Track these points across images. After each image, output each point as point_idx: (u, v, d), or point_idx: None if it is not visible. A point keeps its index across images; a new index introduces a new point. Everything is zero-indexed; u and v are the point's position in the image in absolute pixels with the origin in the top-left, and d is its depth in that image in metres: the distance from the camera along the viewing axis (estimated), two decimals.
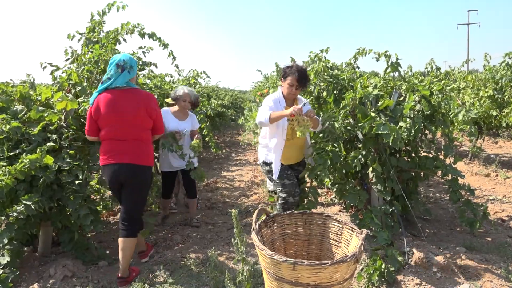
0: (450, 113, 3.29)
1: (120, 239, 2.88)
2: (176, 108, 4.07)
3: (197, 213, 4.75)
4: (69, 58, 3.74)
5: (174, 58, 4.42)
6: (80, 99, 3.29)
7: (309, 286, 2.07)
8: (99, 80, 3.58)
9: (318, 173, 3.25)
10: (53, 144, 3.01)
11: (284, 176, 3.32)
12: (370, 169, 3.29)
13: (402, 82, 3.53)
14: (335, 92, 3.64)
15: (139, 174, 2.88)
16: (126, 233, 2.88)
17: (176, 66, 4.69)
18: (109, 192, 4.45)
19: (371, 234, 3.37)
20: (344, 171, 3.52)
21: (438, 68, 7.41)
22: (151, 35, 4.00)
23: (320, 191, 5.24)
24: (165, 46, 4.18)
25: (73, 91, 3.47)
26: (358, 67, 4.29)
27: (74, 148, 3.13)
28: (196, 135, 4.02)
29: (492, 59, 7.04)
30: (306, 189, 3.44)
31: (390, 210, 3.34)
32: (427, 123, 3.32)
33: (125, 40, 3.93)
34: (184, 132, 3.92)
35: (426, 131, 3.56)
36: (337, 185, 3.76)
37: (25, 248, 3.42)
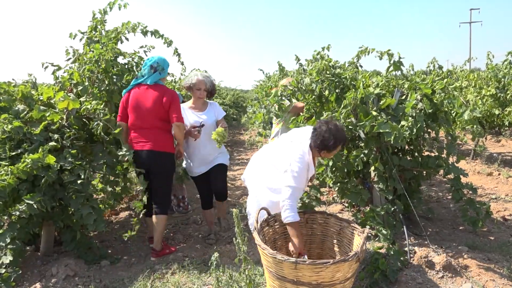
0: (452, 111, 3.27)
1: (152, 216, 3.37)
2: (191, 101, 3.70)
3: (199, 212, 4.75)
4: (70, 58, 3.74)
5: (179, 55, 4.38)
6: (81, 99, 3.29)
7: (311, 285, 2.07)
8: (101, 80, 3.59)
9: (320, 172, 3.25)
10: (55, 144, 3.01)
11: None
12: (372, 168, 3.28)
13: (404, 80, 3.52)
14: (337, 90, 3.63)
15: (158, 159, 3.26)
16: (155, 211, 3.36)
17: (182, 63, 4.62)
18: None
19: (373, 233, 3.37)
20: (346, 170, 3.51)
21: (440, 67, 7.39)
22: (154, 33, 3.98)
23: (322, 190, 5.24)
24: (169, 44, 4.14)
25: (74, 90, 3.47)
26: (361, 66, 4.27)
27: (76, 147, 3.14)
28: (221, 123, 3.60)
29: (495, 58, 7.01)
30: (307, 187, 3.42)
31: (392, 209, 3.33)
32: (429, 121, 3.31)
33: (127, 39, 3.92)
34: (200, 125, 3.49)
35: (429, 130, 3.55)
36: (339, 184, 3.75)
37: (28, 248, 3.43)
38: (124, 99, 3.32)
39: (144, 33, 3.91)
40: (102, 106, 3.36)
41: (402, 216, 3.39)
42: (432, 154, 3.50)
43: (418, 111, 3.13)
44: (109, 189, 3.56)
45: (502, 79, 6.40)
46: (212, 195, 3.79)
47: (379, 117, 3.11)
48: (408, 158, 3.65)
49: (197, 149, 3.59)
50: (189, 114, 3.59)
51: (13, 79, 3.64)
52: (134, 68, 4.18)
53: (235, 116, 11.97)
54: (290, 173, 2.51)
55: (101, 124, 3.15)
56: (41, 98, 3.35)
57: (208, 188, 3.75)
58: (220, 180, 3.71)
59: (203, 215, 3.91)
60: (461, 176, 3.35)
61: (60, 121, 3.18)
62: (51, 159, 2.83)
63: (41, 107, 3.10)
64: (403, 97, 3.42)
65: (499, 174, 6.02)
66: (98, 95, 3.50)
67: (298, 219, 2.47)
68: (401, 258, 2.92)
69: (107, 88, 3.62)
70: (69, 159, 2.99)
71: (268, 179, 2.78)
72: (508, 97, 6.39)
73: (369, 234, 3.32)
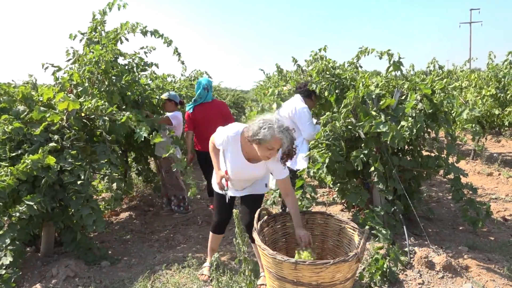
0: (452, 111, 3.27)
1: None
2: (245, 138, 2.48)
3: (199, 213, 4.75)
4: (70, 59, 3.75)
5: (179, 55, 4.40)
6: (81, 99, 3.29)
7: (311, 286, 2.07)
8: (100, 81, 3.60)
9: (315, 171, 3.26)
10: (55, 145, 3.02)
11: None
12: (372, 168, 3.28)
13: (404, 81, 3.52)
14: (336, 91, 3.63)
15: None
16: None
17: (182, 62, 4.66)
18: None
19: (373, 233, 3.37)
20: (345, 170, 3.51)
21: (441, 67, 7.39)
22: (154, 32, 3.99)
23: (322, 190, 5.24)
24: (169, 43, 4.15)
25: (74, 91, 3.47)
26: (361, 66, 4.28)
27: (76, 148, 3.14)
28: (303, 235, 2.47)
29: (495, 58, 7.01)
30: (306, 186, 3.42)
31: (392, 209, 3.33)
32: (429, 122, 3.31)
33: (127, 39, 3.93)
34: (225, 190, 2.65)
35: (429, 130, 3.55)
36: (339, 184, 3.75)
37: (28, 248, 3.43)
38: (190, 114, 4.30)
39: (144, 33, 3.92)
40: (102, 102, 3.36)
41: (402, 217, 3.39)
42: (432, 154, 3.50)
43: (418, 111, 3.14)
44: (115, 187, 3.56)
45: (502, 79, 6.40)
46: (229, 220, 2.95)
47: (377, 117, 3.11)
48: (408, 158, 3.64)
49: (231, 175, 2.68)
50: (238, 158, 2.58)
51: (13, 80, 3.66)
52: (134, 69, 4.19)
53: (235, 117, 12.04)
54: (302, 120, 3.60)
55: (107, 119, 3.16)
56: (41, 99, 3.36)
57: (229, 210, 2.83)
58: (249, 214, 2.73)
59: (210, 239, 3.04)
60: (461, 176, 3.35)
61: (60, 122, 3.18)
62: (51, 160, 2.83)
63: (41, 108, 3.10)
64: (403, 98, 3.42)
65: (499, 174, 6.02)
66: (98, 96, 3.50)
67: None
68: (401, 259, 2.92)
69: (107, 89, 3.62)
70: (69, 160, 2.99)
71: None
72: (508, 97, 6.39)
73: (369, 235, 3.32)
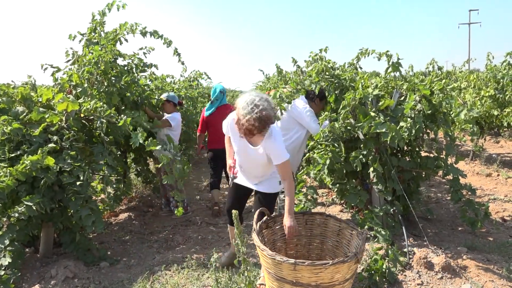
0: (451, 112, 3.28)
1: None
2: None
3: (198, 214, 4.75)
4: (70, 59, 3.75)
5: (179, 55, 4.41)
6: (80, 100, 3.29)
7: (310, 286, 2.07)
8: (100, 81, 3.60)
9: (315, 172, 3.26)
10: (54, 145, 3.02)
11: None
12: (371, 169, 3.28)
13: (403, 82, 3.52)
14: (336, 92, 3.64)
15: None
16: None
17: (182, 63, 4.69)
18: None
19: (372, 234, 3.37)
20: (345, 171, 3.52)
21: (440, 68, 7.40)
22: (153, 33, 3.99)
23: (321, 191, 5.24)
24: (169, 44, 4.15)
25: (74, 92, 3.48)
26: (361, 68, 4.28)
27: (75, 149, 3.14)
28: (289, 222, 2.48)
29: (494, 58, 7.03)
30: (304, 189, 3.42)
31: (391, 210, 3.33)
32: (428, 122, 3.31)
33: (126, 40, 3.93)
34: (232, 177, 2.89)
35: (428, 131, 3.55)
36: (338, 185, 3.75)
37: (27, 249, 3.43)
38: (204, 117, 4.69)
39: (143, 33, 3.92)
40: (101, 104, 3.36)
41: (401, 217, 3.40)
42: (431, 155, 3.51)
43: (416, 112, 3.14)
44: (110, 190, 3.55)
45: (501, 80, 6.41)
46: (240, 212, 2.98)
47: (377, 118, 3.11)
48: (407, 159, 3.65)
49: (240, 162, 2.85)
50: (235, 137, 2.69)
51: (12, 81, 3.65)
52: (134, 69, 4.19)
53: None
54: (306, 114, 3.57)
55: (105, 121, 3.16)
56: (40, 100, 3.36)
57: (240, 202, 3.01)
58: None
59: (229, 230, 3.18)
60: (460, 177, 3.35)
61: (59, 123, 3.18)
62: (50, 161, 2.83)
63: (41, 109, 3.10)
64: (402, 98, 3.43)
65: (498, 175, 6.02)
66: (97, 97, 3.50)
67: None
68: (400, 259, 2.92)
69: (106, 89, 3.62)
70: (68, 161, 2.99)
71: None
72: (506, 98, 6.40)
73: (368, 235, 3.32)
